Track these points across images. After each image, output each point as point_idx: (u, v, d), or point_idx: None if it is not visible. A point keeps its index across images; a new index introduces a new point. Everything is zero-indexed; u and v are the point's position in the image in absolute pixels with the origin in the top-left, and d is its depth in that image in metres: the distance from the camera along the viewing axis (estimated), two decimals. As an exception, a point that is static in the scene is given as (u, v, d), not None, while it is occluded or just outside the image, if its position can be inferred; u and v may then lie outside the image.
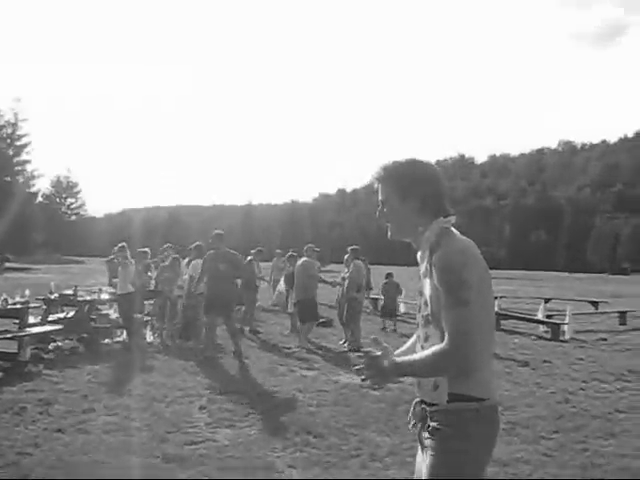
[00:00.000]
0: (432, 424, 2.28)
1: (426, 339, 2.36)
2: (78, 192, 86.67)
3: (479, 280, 2.21)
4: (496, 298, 16.78)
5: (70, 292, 11.93)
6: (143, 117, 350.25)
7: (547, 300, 18.93)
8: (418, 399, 2.41)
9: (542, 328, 14.04)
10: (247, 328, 12.78)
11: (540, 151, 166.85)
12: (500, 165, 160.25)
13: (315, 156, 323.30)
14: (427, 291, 2.32)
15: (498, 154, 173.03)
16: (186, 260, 12.86)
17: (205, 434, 5.76)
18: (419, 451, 2.43)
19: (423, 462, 2.34)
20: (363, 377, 2.42)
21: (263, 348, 11.01)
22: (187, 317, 11.48)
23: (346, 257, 12.09)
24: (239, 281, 14.02)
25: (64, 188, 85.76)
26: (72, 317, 11.17)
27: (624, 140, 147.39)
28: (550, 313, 15.79)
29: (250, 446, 5.45)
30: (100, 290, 12.65)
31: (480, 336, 2.18)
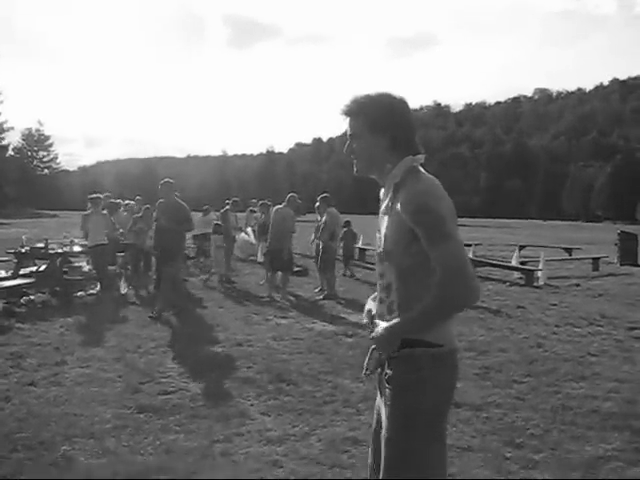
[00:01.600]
0: (388, 372, 2.25)
1: (381, 276, 2.32)
2: (50, 145, 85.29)
3: (451, 216, 2.12)
4: (470, 245, 16.97)
5: (41, 245, 11.72)
6: (116, 68, 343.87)
7: (521, 247, 19.10)
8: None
9: (516, 274, 14.17)
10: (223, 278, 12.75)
11: (516, 99, 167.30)
12: (476, 113, 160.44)
13: (291, 105, 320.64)
14: (384, 228, 2.25)
15: (474, 102, 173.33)
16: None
17: (178, 384, 5.73)
18: (378, 397, 2.40)
19: (382, 406, 2.31)
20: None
21: (238, 297, 10.99)
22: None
23: (316, 205, 12.06)
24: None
25: (35, 141, 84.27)
26: (44, 270, 11.01)
27: (599, 87, 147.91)
28: (524, 260, 15.97)
29: (223, 395, 5.44)
30: (72, 242, 12.43)
31: None
